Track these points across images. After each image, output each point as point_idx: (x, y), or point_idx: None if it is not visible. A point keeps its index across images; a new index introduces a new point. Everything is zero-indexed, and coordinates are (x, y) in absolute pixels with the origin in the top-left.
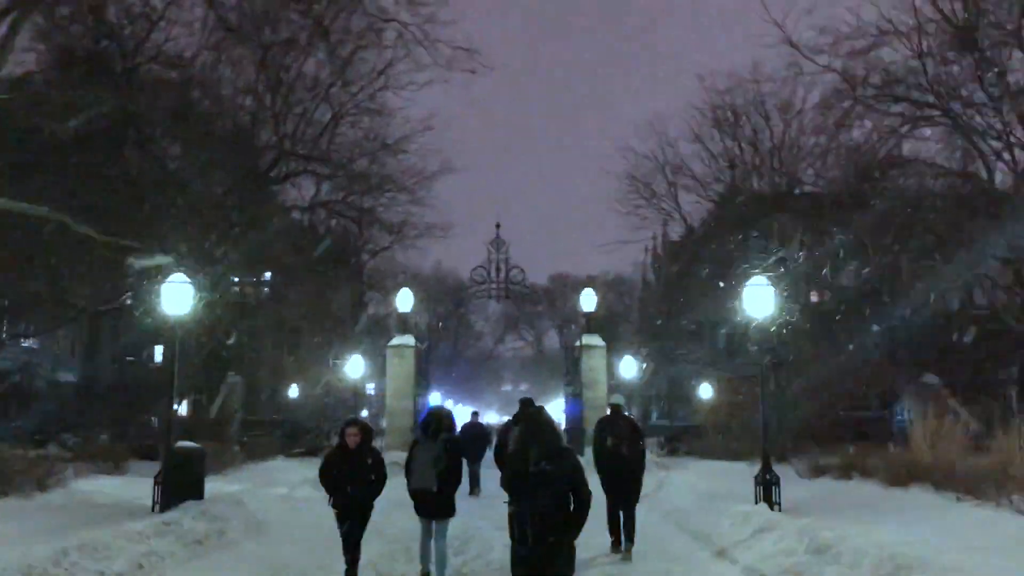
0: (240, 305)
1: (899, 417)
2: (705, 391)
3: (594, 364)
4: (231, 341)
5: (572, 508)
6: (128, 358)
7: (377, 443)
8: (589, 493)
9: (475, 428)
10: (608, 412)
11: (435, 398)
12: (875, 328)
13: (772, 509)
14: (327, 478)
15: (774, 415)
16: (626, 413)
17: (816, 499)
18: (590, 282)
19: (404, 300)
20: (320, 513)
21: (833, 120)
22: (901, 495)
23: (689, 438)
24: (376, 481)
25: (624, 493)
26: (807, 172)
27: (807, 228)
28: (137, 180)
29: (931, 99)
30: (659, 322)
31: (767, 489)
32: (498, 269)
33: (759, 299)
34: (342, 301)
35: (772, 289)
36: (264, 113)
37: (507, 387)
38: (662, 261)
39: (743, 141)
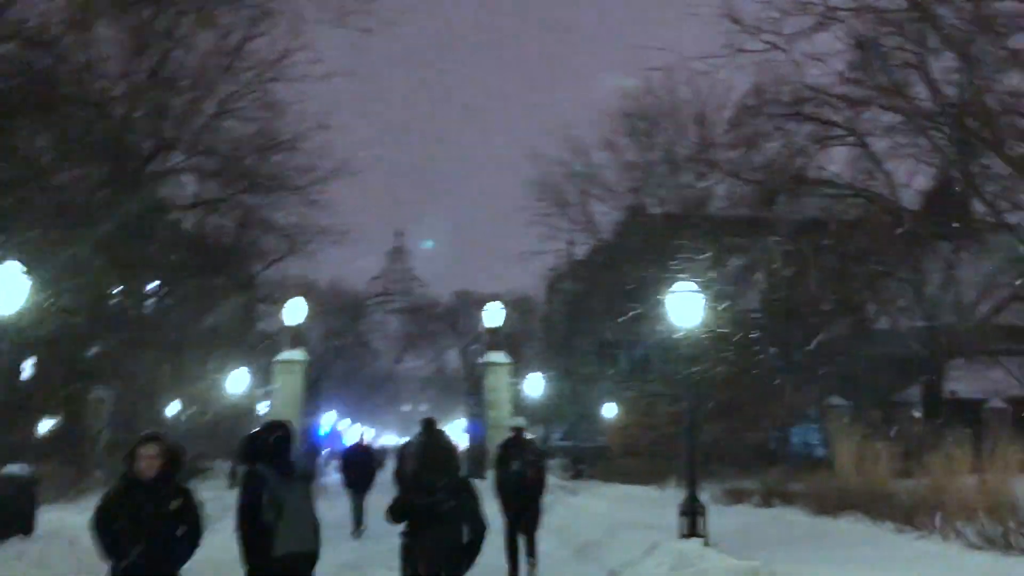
0: (110, 313)
1: (796, 440)
2: (609, 411)
3: (498, 383)
4: (92, 352)
5: (466, 540)
6: None
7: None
8: (484, 526)
9: (362, 453)
10: (511, 435)
11: (329, 417)
12: (772, 351)
13: (701, 543)
14: (104, 530)
15: (685, 437)
16: (527, 436)
17: (742, 530)
18: (495, 298)
19: (294, 312)
20: None
21: (744, 136)
22: (833, 525)
23: (594, 460)
24: (186, 536)
25: (526, 518)
26: (720, 186)
27: (714, 249)
28: None
29: (839, 119)
30: (561, 341)
31: (693, 520)
32: (397, 281)
33: (686, 307)
34: (230, 314)
35: (701, 295)
36: (142, 102)
37: (406, 407)
38: (566, 279)
39: (658, 149)
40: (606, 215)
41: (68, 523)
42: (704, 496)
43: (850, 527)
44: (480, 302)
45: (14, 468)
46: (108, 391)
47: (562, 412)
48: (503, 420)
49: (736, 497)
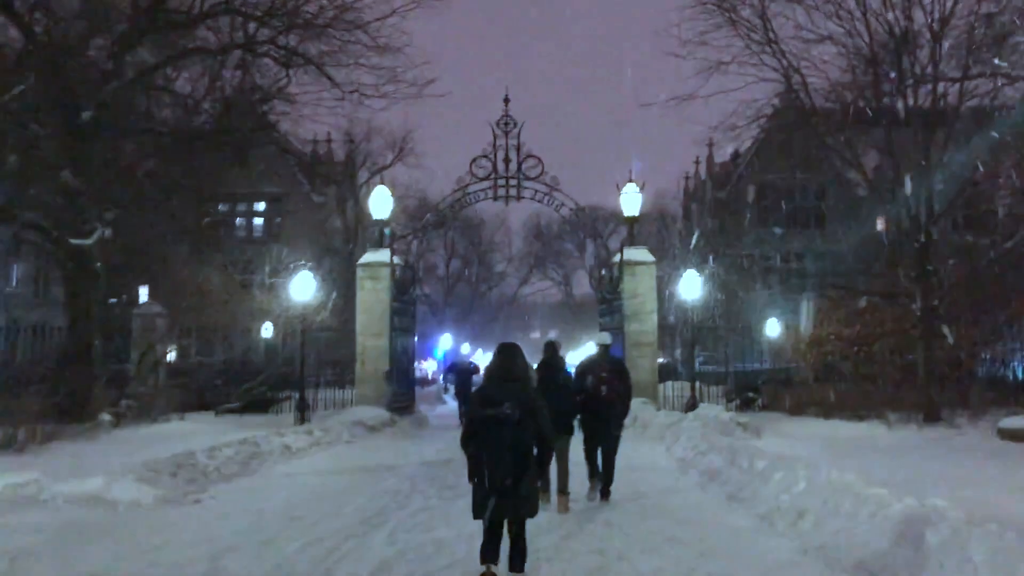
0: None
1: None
2: (772, 328)
3: (640, 286)
4: (91, 240)
5: (534, 450)
6: None
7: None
8: (546, 438)
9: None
10: (596, 352)
11: (445, 340)
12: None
13: None
14: None
15: (919, 355)
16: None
17: None
18: (631, 181)
19: (379, 203)
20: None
21: None
22: None
23: (771, 388)
24: None
25: (602, 437)
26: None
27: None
28: None
29: None
30: (710, 257)
31: None
32: (507, 159)
33: None
34: (336, 228)
35: None
36: None
37: (535, 334)
38: (704, 187)
39: None
40: (792, 40)
41: None
42: (968, 438)
43: None
44: (607, 218)
45: None
46: (158, 307)
47: (730, 319)
48: (649, 335)
49: None
